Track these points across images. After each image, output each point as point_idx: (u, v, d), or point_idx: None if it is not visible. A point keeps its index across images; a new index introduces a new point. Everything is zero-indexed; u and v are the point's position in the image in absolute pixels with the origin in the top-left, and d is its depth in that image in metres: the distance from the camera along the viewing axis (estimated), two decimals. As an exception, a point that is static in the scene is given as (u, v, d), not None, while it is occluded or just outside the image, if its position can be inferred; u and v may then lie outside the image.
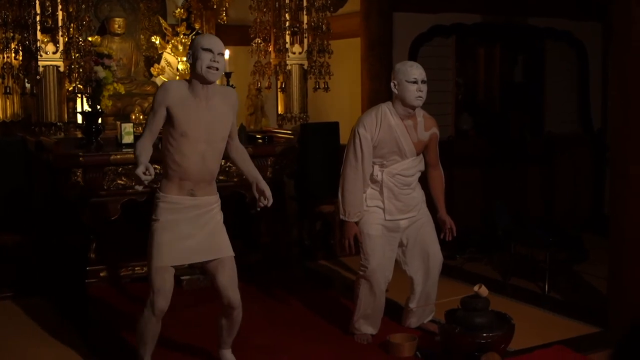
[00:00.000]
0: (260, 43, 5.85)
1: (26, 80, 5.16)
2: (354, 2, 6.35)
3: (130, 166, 4.88)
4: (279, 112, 6.05)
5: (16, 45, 5.09)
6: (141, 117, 5.65)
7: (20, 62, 5.12)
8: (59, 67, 5.12)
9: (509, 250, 5.37)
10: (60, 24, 5.08)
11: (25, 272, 4.96)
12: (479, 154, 6.64)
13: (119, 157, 4.81)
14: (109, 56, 5.63)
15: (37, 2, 5.01)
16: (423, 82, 3.83)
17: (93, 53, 5.45)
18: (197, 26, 6.19)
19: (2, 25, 5.02)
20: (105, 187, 4.85)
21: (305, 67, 5.88)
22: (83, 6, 5.22)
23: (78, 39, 5.18)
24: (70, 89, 5.34)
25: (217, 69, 3.19)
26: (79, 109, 5.37)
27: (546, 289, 5.00)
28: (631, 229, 4.03)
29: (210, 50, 3.19)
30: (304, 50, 5.86)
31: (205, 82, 3.22)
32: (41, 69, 5.08)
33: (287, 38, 5.82)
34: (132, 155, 4.80)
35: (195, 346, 3.94)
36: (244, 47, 6.10)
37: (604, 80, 7.23)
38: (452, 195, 5.62)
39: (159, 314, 3.30)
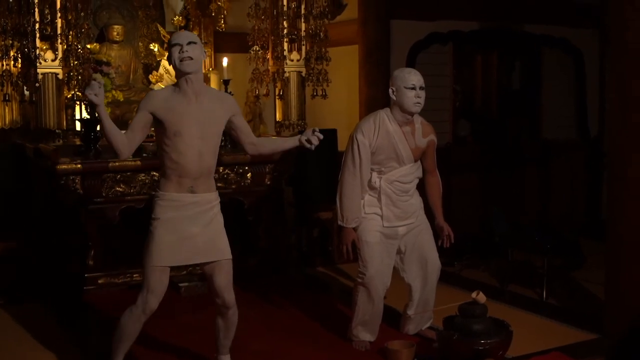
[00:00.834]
0: (258, 50, 5.87)
1: (25, 87, 5.18)
2: (351, 9, 6.38)
3: (129, 173, 4.90)
4: (277, 119, 6.06)
5: (15, 52, 5.10)
6: (140, 124, 5.64)
7: (20, 70, 5.13)
8: (58, 74, 5.14)
9: (507, 257, 5.37)
10: (59, 31, 5.10)
11: (23, 278, 4.96)
12: (476, 160, 6.66)
13: (117, 164, 4.82)
14: (108, 63, 5.65)
15: (37, 9, 5.03)
16: (421, 88, 3.85)
17: (92, 60, 5.47)
18: (195, 33, 6.20)
19: (2, 33, 5.03)
20: (104, 194, 4.86)
21: (303, 74, 5.90)
22: (82, 14, 5.24)
23: (77, 46, 5.20)
24: (69, 96, 5.36)
25: (191, 58, 3.22)
26: (77, 116, 5.38)
27: (544, 295, 5.01)
28: (628, 232, 4.04)
29: (177, 44, 3.23)
30: (302, 58, 5.88)
31: (184, 74, 3.23)
32: (40, 77, 5.09)
33: (285, 45, 5.84)
34: (131, 163, 4.87)
35: (193, 352, 3.94)
36: (242, 55, 6.12)
37: (601, 87, 7.26)
38: (450, 202, 5.64)
39: (149, 312, 3.30)
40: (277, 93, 6.01)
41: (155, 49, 6.13)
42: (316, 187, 5.63)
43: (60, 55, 5.13)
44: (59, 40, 5.10)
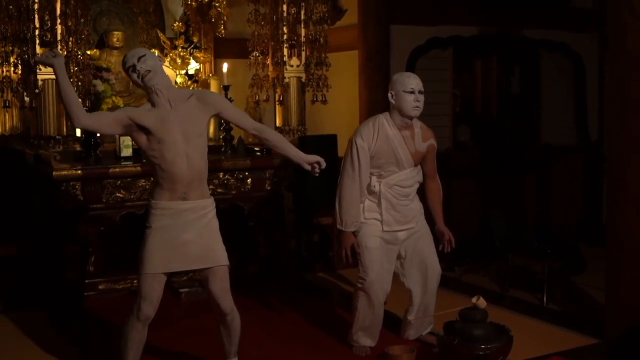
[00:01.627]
0: (258, 56, 5.88)
1: (25, 93, 5.19)
2: (351, 14, 6.39)
3: (129, 179, 4.90)
4: (277, 124, 6.07)
5: (15, 59, 5.11)
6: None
7: (20, 76, 5.14)
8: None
9: (507, 261, 5.37)
10: (59, 37, 5.11)
11: (23, 284, 4.96)
12: (476, 164, 6.66)
13: (117, 170, 4.82)
14: (108, 69, 5.66)
15: (37, 16, 5.04)
16: (420, 92, 3.86)
17: (92, 66, 5.48)
18: (195, 39, 6.23)
19: (2, 39, 5.04)
20: (104, 200, 4.86)
21: (303, 79, 5.91)
22: (82, 20, 5.25)
23: (77, 52, 5.21)
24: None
25: (149, 70, 3.23)
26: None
27: (544, 300, 5.00)
28: (628, 236, 4.03)
29: (130, 66, 3.25)
30: (302, 63, 5.89)
31: (152, 88, 3.25)
32: (40, 83, 5.10)
33: (285, 51, 5.85)
34: (131, 168, 4.87)
35: (194, 358, 3.94)
36: (242, 60, 6.13)
37: (600, 91, 7.26)
38: (450, 207, 5.63)
39: (144, 320, 3.31)
40: (277, 99, 6.02)
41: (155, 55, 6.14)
42: (316, 193, 5.62)
43: (60, 61, 5.13)
44: (59, 47, 5.11)
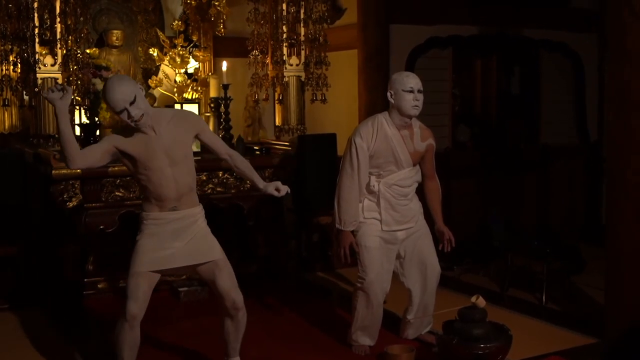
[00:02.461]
0: (258, 55, 5.87)
1: (24, 92, 5.18)
2: (350, 14, 6.38)
3: (128, 178, 4.89)
4: (277, 123, 6.06)
5: (15, 57, 5.10)
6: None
7: (19, 75, 5.14)
8: (57, 79, 5.13)
9: (506, 261, 5.37)
10: (58, 36, 5.11)
11: (22, 283, 4.96)
12: (476, 164, 6.66)
13: (117, 169, 4.81)
14: (107, 68, 5.65)
15: (36, 14, 5.03)
16: (419, 91, 3.85)
17: (91, 65, 5.47)
18: (194, 38, 6.22)
19: (1, 38, 5.04)
20: (104, 199, 4.86)
21: (303, 79, 5.90)
22: (81, 19, 5.25)
23: (76, 51, 5.21)
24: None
25: (142, 115, 3.18)
26: (77, 121, 5.38)
27: (543, 299, 5.00)
28: (628, 236, 4.03)
29: (121, 111, 3.18)
30: (302, 62, 5.88)
31: (139, 126, 3.22)
32: (39, 81, 5.09)
33: (285, 50, 5.85)
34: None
35: (193, 357, 3.94)
36: (241, 59, 6.12)
37: (600, 91, 7.26)
38: (450, 207, 5.63)
39: (130, 319, 3.30)
40: (276, 98, 6.01)
41: (155, 54, 6.13)
42: (316, 192, 5.61)
43: (59, 60, 5.13)
44: (58, 45, 5.11)
